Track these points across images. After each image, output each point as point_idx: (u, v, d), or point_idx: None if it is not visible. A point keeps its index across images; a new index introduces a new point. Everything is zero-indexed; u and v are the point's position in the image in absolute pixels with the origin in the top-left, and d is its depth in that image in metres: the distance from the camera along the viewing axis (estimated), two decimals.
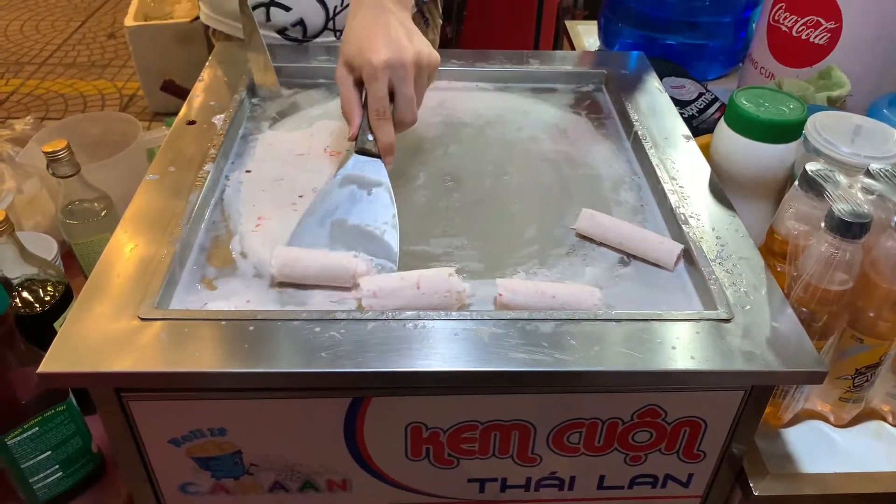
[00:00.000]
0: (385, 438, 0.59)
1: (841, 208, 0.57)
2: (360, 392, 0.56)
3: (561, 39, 2.01)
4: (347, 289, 0.61)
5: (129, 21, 2.46)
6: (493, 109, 0.89)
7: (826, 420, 0.69)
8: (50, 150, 0.83)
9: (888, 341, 0.62)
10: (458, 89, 0.92)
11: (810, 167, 0.62)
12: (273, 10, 0.97)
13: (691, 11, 1.19)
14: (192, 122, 0.79)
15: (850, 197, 0.59)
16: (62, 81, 2.94)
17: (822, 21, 0.99)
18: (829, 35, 0.99)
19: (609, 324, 0.57)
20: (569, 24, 1.45)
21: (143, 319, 0.55)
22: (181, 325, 0.55)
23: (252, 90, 0.88)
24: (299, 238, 0.65)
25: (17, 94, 2.84)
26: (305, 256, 0.62)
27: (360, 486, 0.62)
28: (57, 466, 0.74)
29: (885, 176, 0.61)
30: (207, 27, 1.09)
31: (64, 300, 0.82)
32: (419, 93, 0.70)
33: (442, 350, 0.54)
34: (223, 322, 0.55)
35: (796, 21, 1.02)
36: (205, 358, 0.52)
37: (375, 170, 0.71)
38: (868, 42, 0.96)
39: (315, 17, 0.98)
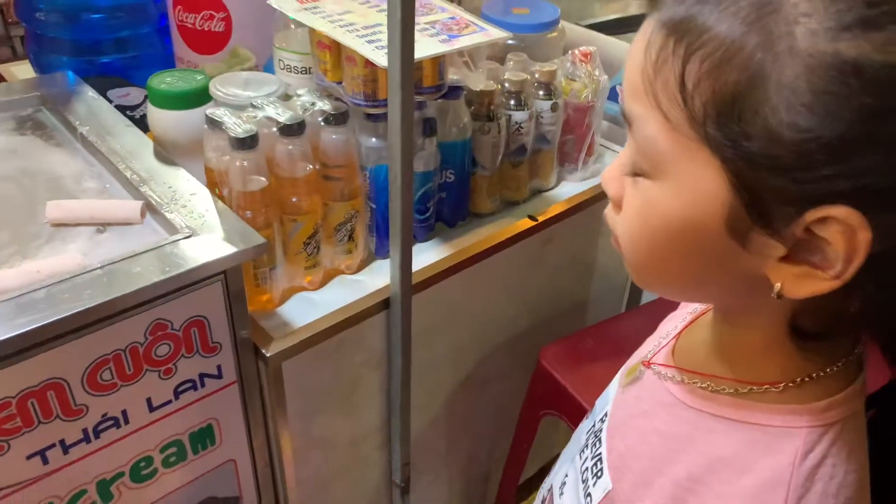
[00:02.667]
0: None
1: (237, 131, 0.78)
2: None
3: None
4: None
5: None
6: None
7: (306, 289, 0.93)
8: None
9: (312, 214, 0.87)
10: None
11: (208, 112, 0.82)
12: None
13: (111, 30, 1.32)
14: None
15: (242, 121, 0.80)
16: None
17: (215, 13, 1.22)
18: (224, 23, 1.23)
19: (94, 273, 0.69)
20: (2, 67, 1.45)
21: None
22: None
23: None
24: None
25: None
26: None
27: None
28: None
29: (264, 105, 0.85)
30: None
31: None
32: None
33: None
34: None
35: (196, 17, 1.23)
36: None
37: None
38: (252, 23, 1.22)
39: None
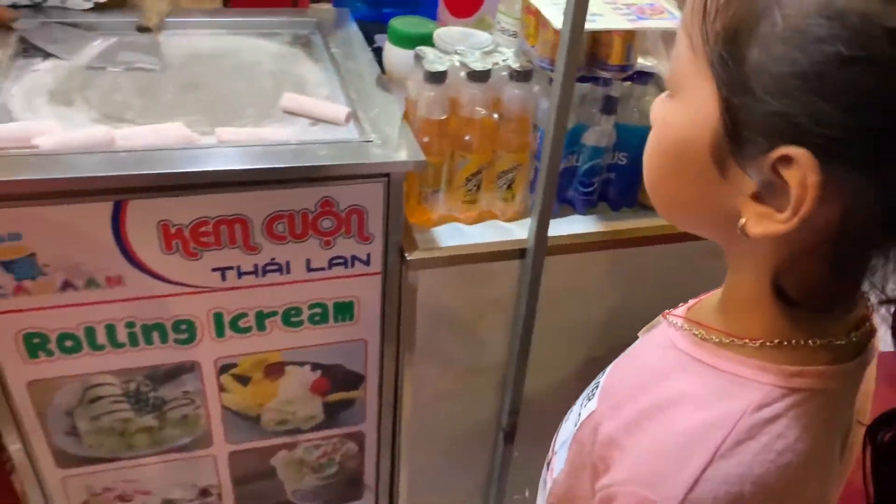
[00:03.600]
0: (144, 236, 0.86)
1: (429, 66, 0.93)
2: (120, 195, 0.82)
3: None
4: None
5: None
6: (229, 45, 1.18)
7: (460, 221, 1.05)
8: None
9: (479, 154, 0.99)
10: (204, 34, 1.21)
11: (418, 49, 0.98)
12: None
13: None
14: None
15: (438, 62, 0.95)
16: None
17: None
18: None
19: (293, 146, 0.89)
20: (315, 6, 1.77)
21: None
22: None
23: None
24: None
25: None
26: (67, 136, 0.86)
27: (132, 280, 0.88)
28: None
29: (466, 53, 0.98)
30: None
31: None
32: None
33: (178, 162, 0.82)
34: (12, 156, 0.80)
35: None
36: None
37: None
38: None
39: None
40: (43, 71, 1.05)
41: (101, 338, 0.91)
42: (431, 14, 1.65)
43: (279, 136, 0.91)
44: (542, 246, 1.00)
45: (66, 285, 0.86)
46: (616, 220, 1.10)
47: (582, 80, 0.98)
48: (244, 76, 1.09)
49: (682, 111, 0.45)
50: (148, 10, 1.16)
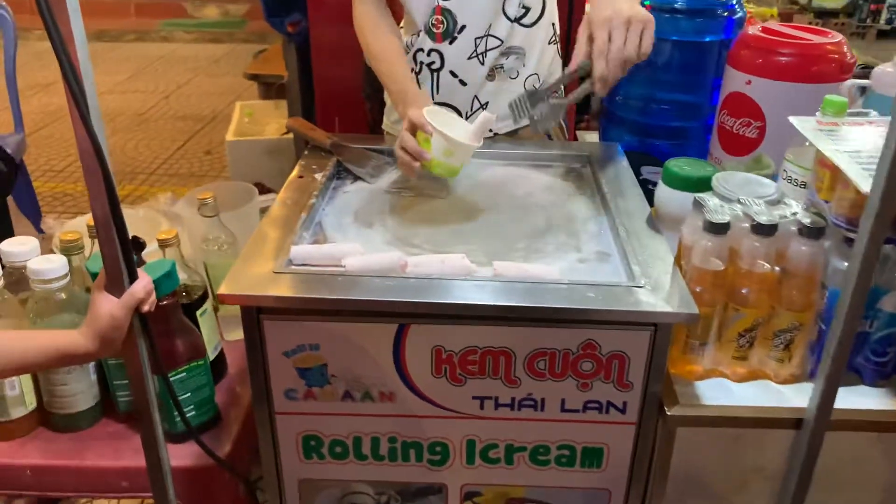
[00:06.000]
0: (418, 358, 0.92)
1: (712, 215, 0.91)
2: (404, 319, 0.89)
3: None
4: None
5: (230, 136, 3.00)
6: (507, 175, 1.26)
7: (726, 377, 0.99)
8: (202, 197, 1.23)
9: (756, 309, 0.93)
10: (482, 164, 1.30)
11: (697, 195, 0.96)
12: None
13: (668, 120, 1.57)
14: (300, 177, 1.19)
15: (720, 211, 0.92)
16: (167, 188, 3.50)
17: (752, 121, 1.35)
18: (757, 131, 1.35)
19: (563, 286, 0.91)
20: (579, 133, 1.85)
21: (276, 273, 0.91)
22: (298, 276, 0.91)
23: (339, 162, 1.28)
24: None
25: (130, 196, 3.40)
26: (368, 259, 0.96)
27: (402, 398, 0.94)
28: (192, 406, 1.08)
29: (749, 202, 0.95)
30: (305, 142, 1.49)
31: (203, 298, 1.19)
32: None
33: (457, 292, 0.88)
34: (324, 275, 0.91)
35: (735, 121, 1.38)
36: (311, 290, 0.88)
37: None
38: (781, 136, 1.31)
39: None
40: (351, 192, 1.20)
41: (366, 448, 0.97)
42: (703, 147, 1.62)
43: (550, 274, 0.94)
44: (825, 418, 0.89)
45: (346, 395, 0.95)
46: None
47: (886, 241, 0.89)
48: (518, 208, 1.16)
49: None
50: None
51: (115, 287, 0.81)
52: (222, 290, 0.87)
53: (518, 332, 0.90)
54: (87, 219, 1.19)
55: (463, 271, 0.94)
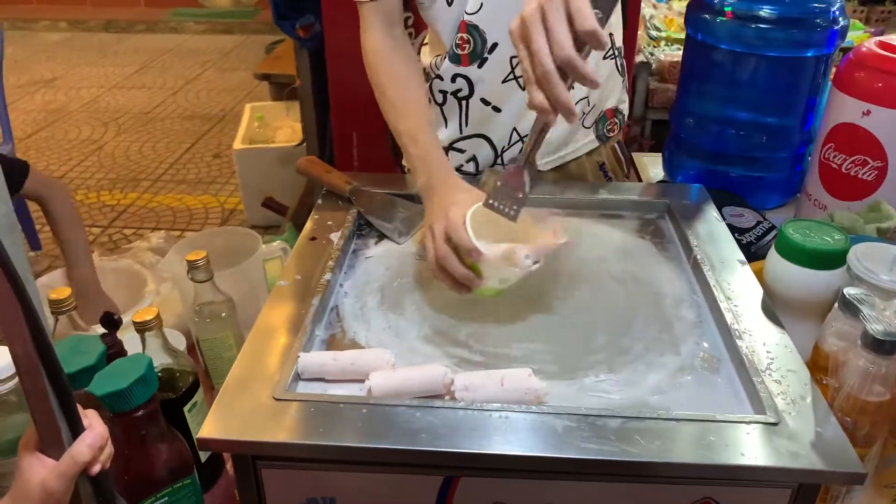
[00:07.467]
0: None
1: (874, 328, 0.66)
2: (453, 471, 0.65)
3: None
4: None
5: (238, 144, 2.77)
6: (568, 232, 1.01)
7: None
8: (192, 259, 0.99)
9: None
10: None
11: (848, 291, 0.71)
12: (450, 153, 1.15)
13: (749, 147, 1.31)
14: (313, 238, 0.94)
15: (883, 318, 0.67)
16: (172, 196, 3.27)
17: (869, 160, 1.09)
18: (876, 172, 1.09)
19: (669, 423, 0.66)
20: (635, 155, 1.58)
21: (277, 400, 0.67)
22: (307, 405, 0.67)
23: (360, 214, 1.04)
24: None
25: (133, 206, 3.18)
26: (401, 378, 0.72)
27: None
28: None
29: None
30: None
31: (192, 388, 0.96)
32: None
33: (522, 438, 0.64)
34: (341, 405, 0.67)
35: (845, 159, 1.12)
36: (326, 434, 0.64)
37: None
38: None
39: (485, 156, 1.16)
40: (374, 259, 0.96)
41: None
42: (791, 181, 1.36)
43: (645, 400, 0.69)
44: None
45: None
46: None
47: None
48: (590, 283, 0.91)
49: None
50: None
51: (51, 447, 0.57)
52: (203, 432, 0.64)
53: (606, 488, 0.66)
54: None
55: (529, 396, 0.70)
